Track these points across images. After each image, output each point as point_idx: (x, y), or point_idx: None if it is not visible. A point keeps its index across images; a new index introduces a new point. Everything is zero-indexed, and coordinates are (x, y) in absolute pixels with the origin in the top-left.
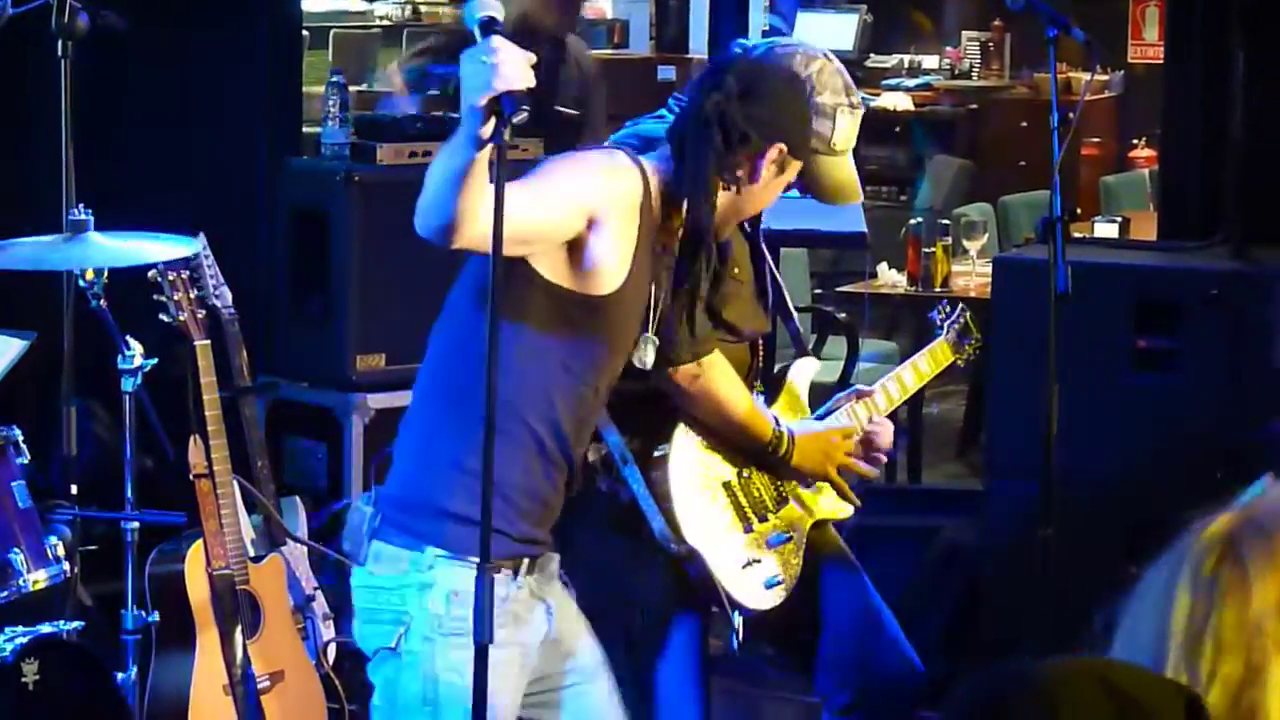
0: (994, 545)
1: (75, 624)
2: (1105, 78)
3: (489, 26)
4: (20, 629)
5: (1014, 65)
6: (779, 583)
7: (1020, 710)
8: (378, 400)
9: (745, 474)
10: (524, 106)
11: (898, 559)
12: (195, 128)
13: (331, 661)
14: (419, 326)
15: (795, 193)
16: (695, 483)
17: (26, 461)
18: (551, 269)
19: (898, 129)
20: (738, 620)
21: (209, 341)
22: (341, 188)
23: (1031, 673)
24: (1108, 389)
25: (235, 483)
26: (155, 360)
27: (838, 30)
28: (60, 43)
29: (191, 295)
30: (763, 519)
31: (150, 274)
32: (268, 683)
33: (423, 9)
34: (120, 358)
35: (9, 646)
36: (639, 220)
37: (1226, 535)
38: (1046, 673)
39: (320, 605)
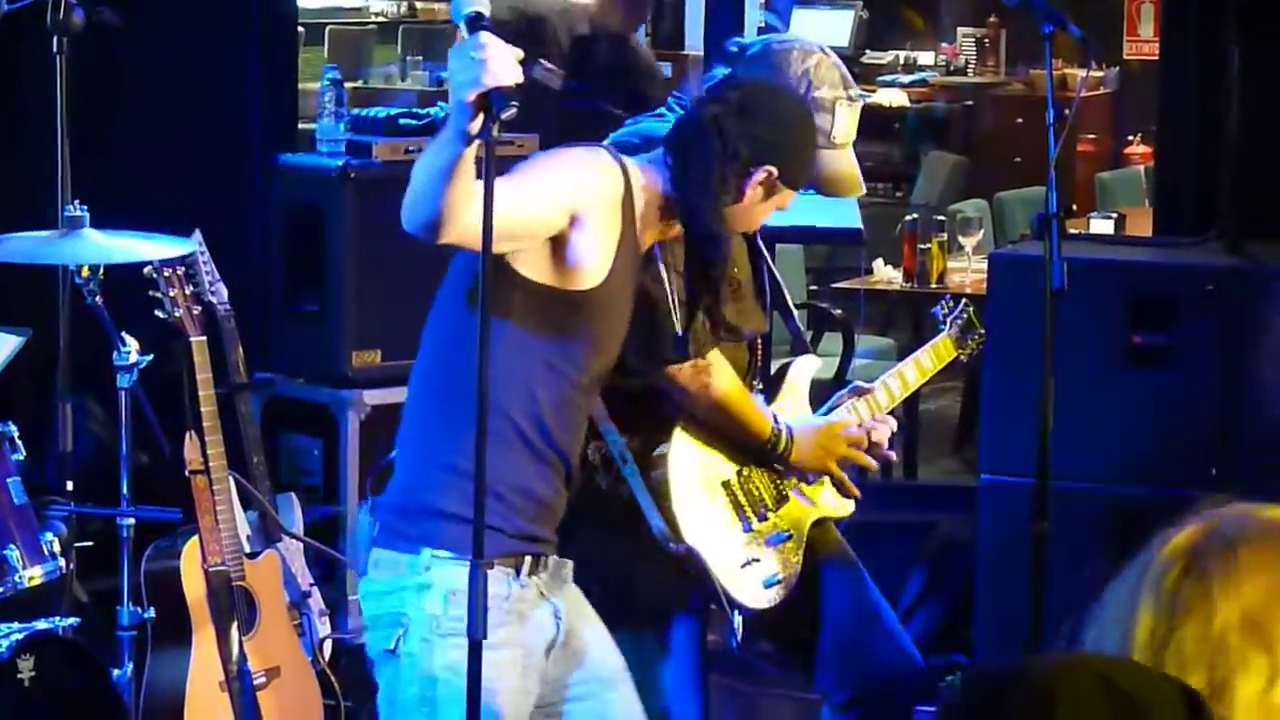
0: (989, 540)
1: (71, 620)
2: (1101, 74)
3: (476, 22)
4: (16, 625)
5: (1009, 61)
6: (778, 581)
7: (1018, 705)
8: (373, 396)
9: (745, 472)
10: (513, 103)
11: (894, 554)
12: (191, 124)
13: (327, 657)
14: (414, 322)
15: None
16: (694, 482)
17: (22, 457)
18: (534, 266)
19: (895, 125)
20: (737, 619)
21: (205, 338)
22: (337, 184)
23: (1029, 668)
24: (1103, 385)
25: (231, 479)
26: (151, 356)
27: (833, 26)
28: (55, 39)
29: (187, 291)
30: (762, 518)
31: (146, 270)
32: (264, 679)
33: (418, 5)
34: (116, 354)
35: (4, 643)
36: (620, 217)
37: (1189, 549)
38: (1044, 668)
39: (316, 601)
